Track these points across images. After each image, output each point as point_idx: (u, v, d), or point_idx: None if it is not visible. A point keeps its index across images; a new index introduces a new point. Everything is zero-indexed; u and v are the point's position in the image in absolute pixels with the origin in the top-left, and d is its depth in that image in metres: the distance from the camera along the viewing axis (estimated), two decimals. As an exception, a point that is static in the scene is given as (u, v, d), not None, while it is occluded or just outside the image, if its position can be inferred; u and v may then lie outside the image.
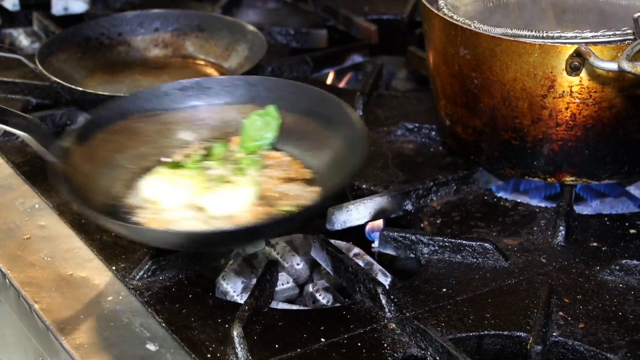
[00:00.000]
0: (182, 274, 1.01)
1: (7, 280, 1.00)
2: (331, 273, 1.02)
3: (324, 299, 1.01)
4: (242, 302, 0.98)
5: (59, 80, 1.23)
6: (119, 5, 1.60)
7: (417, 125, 1.25)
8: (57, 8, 1.55)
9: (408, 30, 1.54)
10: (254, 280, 1.01)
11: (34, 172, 1.17)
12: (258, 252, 1.07)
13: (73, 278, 1.00)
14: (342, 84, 1.46)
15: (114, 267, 1.01)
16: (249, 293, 0.96)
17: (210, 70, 1.35)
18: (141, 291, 0.98)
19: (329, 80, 1.45)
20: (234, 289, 1.02)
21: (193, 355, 0.90)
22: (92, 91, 1.23)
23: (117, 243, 1.04)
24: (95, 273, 1.01)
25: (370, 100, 1.32)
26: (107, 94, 1.23)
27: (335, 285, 1.04)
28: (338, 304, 1.00)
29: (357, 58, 1.46)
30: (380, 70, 1.38)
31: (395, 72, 1.48)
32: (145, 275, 0.99)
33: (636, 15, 0.97)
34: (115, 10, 1.57)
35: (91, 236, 1.06)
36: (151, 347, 0.91)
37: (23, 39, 1.54)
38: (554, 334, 0.92)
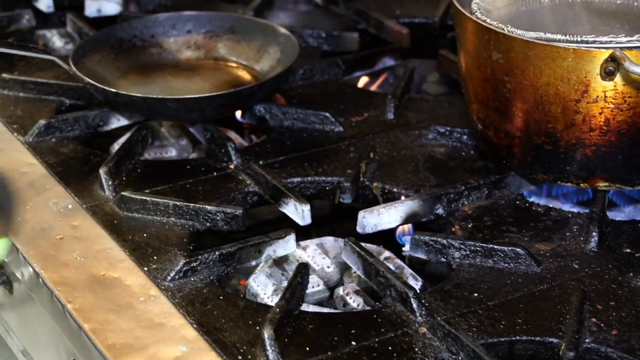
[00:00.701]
0: (213, 275, 1.01)
1: (40, 280, 1.01)
2: (362, 276, 1.02)
3: (354, 302, 1.01)
4: (272, 304, 0.98)
5: (92, 82, 1.24)
6: (151, 7, 1.61)
7: (448, 129, 1.24)
8: (90, 10, 1.57)
9: (440, 34, 1.53)
10: (285, 283, 1.02)
11: (68, 172, 1.18)
12: (289, 255, 1.07)
13: (105, 278, 1.00)
14: (373, 88, 1.46)
15: (146, 268, 1.01)
16: (279, 295, 0.97)
17: (242, 73, 1.36)
18: (173, 292, 0.98)
19: (361, 84, 1.45)
20: (264, 291, 1.02)
21: (224, 357, 0.90)
22: (125, 92, 1.24)
23: (149, 244, 1.05)
24: (128, 274, 1.01)
25: (401, 104, 1.32)
26: (139, 95, 1.24)
27: (365, 289, 1.04)
28: (369, 308, 1.00)
29: (388, 61, 1.45)
30: (411, 74, 1.38)
31: (426, 76, 1.47)
32: (177, 277, 1.00)
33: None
34: (148, 12, 1.58)
35: (123, 237, 1.06)
36: (183, 348, 0.91)
37: (57, 40, 1.55)
38: (587, 340, 0.92)
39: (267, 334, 0.89)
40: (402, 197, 1.13)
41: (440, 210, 1.11)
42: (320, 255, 1.07)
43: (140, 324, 0.94)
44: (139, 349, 0.91)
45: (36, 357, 1.13)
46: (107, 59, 1.34)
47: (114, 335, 0.93)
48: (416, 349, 0.91)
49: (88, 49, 1.33)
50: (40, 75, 1.38)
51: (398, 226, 1.11)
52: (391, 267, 1.03)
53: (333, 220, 1.23)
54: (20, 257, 1.05)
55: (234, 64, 1.38)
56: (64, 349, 1.01)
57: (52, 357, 1.06)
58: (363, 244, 1.04)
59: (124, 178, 1.17)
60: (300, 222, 1.10)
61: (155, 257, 1.03)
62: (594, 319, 0.94)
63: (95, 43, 1.35)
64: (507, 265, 1.02)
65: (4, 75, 1.37)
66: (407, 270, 1.04)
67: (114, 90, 1.24)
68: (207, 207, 1.08)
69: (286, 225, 1.09)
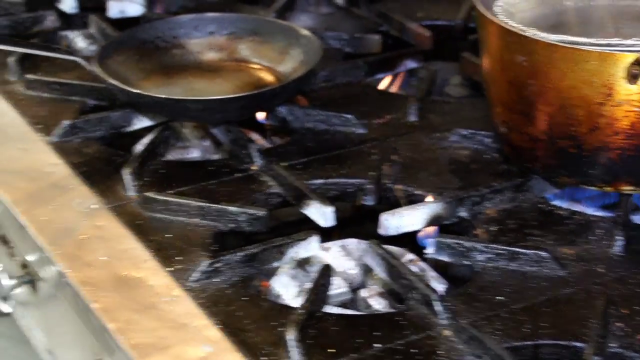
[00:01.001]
0: (236, 276, 1.01)
1: (64, 280, 1.02)
2: (385, 278, 1.02)
3: (377, 304, 1.01)
4: (295, 305, 0.98)
5: (115, 83, 1.25)
6: (174, 9, 1.61)
7: (471, 131, 1.24)
8: (113, 11, 1.57)
9: (462, 36, 1.53)
10: (308, 284, 1.02)
11: (92, 173, 1.19)
12: (311, 256, 1.07)
13: (129, 278, 1.01)
14: (395, 89, 1.45)
15: (169, 269, 1.02)
16: (302, 297, 0.97)
17: (265, 74, 1.36)
18: (196, 293, 0.98)
19: (384, 86, 1.45)
20: (287, 292, 1.02)
21: (248, 358, 0.90)
22: (147, 93, 1.25)
23: (172, 245, 1.06)
24: (152, 274, 1.02)
25: (424, 106, 1.32)
26: (162, 96, 1.25)
27: (389, 291, 1.04)
28: (392, 310, 1.00)
29: (410, 63, 1.45)
30: (434, 76, 1.38)
31: (448, 78, 1.47)
32: (200, 277, 1.00)
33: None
34: (170, 13, 1.58)
35: (147, 237, 1.07)
36: (207, 348, 0.92)
37: (80, 41, 1.56)
38: (612, 344, 0.91)
39: (291, 335, 0.90)
40: (425, 200, 1.13)
41: (463, 213, 1.11)
42: (343, 257, 1.07)
43: (164, 324, 0.94)
44: (163, 348, 0.92)
45: (60, 356, 1.14)
46: (131, 60, 1.35)
47: (138, 335, 0.93)
48: (440, 352, 0.91)
49: (111, 50, 1.33)
50: (64, 76, 1.38)
51: (421, 229, 1.11)
52: (414, 269, 1.03)
53: (355, 222, 1.22)
54: (44, 257, 1.06)
55: (256, 66, 1.38)
56: (89, 349, 1.01)
57: (77, 356, 1.06)
58: (386, 246, 1.04)
59: (148, 179, 1.17)
60: (323, 224, 1.10)
61: (178, 258, 1.03)
62: (619, 324, 0.94)
63: (118, 44, 1.35)
64: (531, 268, 1.01)
65: (28, 76, 1.38)
66: (431, 273, 1.04)
67: (136, 91, 1.25)
68: (231, 208, 1.09)
69: (309, 226, 1.09)
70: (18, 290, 1.15)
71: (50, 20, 1.58)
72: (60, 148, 1.24)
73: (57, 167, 1.20)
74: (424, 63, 1.46)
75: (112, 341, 0.93)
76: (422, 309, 0.96)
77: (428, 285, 0.97)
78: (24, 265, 1.14)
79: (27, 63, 1.42)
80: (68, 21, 1.59)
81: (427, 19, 1.55)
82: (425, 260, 1.07)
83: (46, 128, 1.28)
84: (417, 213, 1.09)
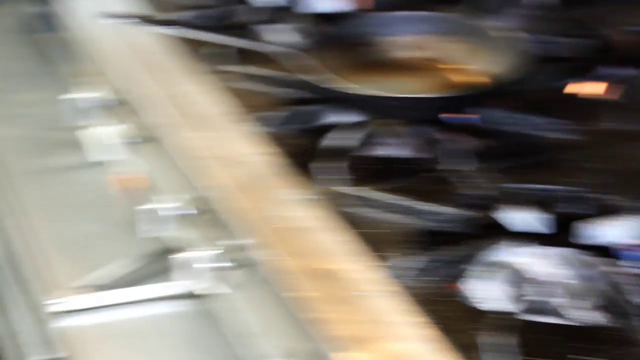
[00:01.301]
0: (435, 276, 1.01)
1: (262, 270, 1.04)
2: (587, 289, 0.99)
3: (580, 315, 0.98)
4: (495, 310, 0.97)
5: (310, 78, 1.27)
6: (374, 6, 1.62)
7: (680, 143, 1.19)
8: (309, 6, 1.59)
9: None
10: (505, 290, 1.00)
11: (291, 164, 1.21)
12: (507, 262, 1.05)
13: (328, 271, 1.02)
14: (598, 96, 1.41)
15: (366, 263, 1.02)
16: (498, 302, 0.95)
17: (457, 75, 1.35)
18: (395, 290, 0.99)
19: (584, 91, 1.41)
20: (482, 296, 1.01)
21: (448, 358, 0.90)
22: (339, 89, 1.26)
23: (370, 240, 1.06)
24: (349, 268, 1.02)
25: (629, 114, 1.27)
26: (355, 92, 1.26)
27: (591, 303, 1.01)
28: (592, 322, 0.97)
29: (613, 70, 1.40)
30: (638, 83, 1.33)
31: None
32: (404, 274, 1.00)
33: None
34: (370, 10, 1.59)
35: (346, 232, 1.08)
36: (407, 345, 0.92)
37: (278, 35, 1.59)
38: None
39: (495, 340, 0.89)
40: (628, 211, 1.09)
41: (669, 228, 1.06)
42: (542, 265, 1.05)
43: (363, 318, 0.95)
44: (362, 342, 0.92)
45: (256, 341, 1.16)
46: (327, 55, 1.36)
47: (338, 327, 0.94)
48: (646, 370, 0.88)
49: (309, 44, 1.36)
50: (262, 68, 1.41)
51: (623, 241, 1.07)
52: (620, 282, 0.99)
53: (553, 229, 1.20)
54: (245, 244, 1.09)
55: (449, 66, 1.37)
56: (286, 337, 1.03)
57: (272, 343, 1.08)
58: (589, 257, 1.01)
59: (346, 173, 1.19)
60: (521, 230, 1.08)
61: (376, 254, 1.04)
62: None
63: (318, 39, 1.37)
64: None
65: (229, 67, 1.42)
66: (635, 287, 1.01)
67: (330, 86, 1.26)
68: (433, 208, 1.09)
69: (504, 231, 1.07)
70: (218, 274, 1.19)
71: (244, 13, 1.61)
72: (261, 139, 1.27)
73: (257, 157, 1.23)
74: (627, 69, 1.41)
75: (311, 331, 0.95)
76: (625, 324, 0.93)
77: (631, 299, 0.93)
78: (226, 251, 1.18)
79: (227, 56, 1.46)
80: (267, 15, 1.62)
81: (629, 24, 1.49)
82: (629, 273, 1.04)
83: (247, 119, 1.31)
84: (619, 224, 1.06)
